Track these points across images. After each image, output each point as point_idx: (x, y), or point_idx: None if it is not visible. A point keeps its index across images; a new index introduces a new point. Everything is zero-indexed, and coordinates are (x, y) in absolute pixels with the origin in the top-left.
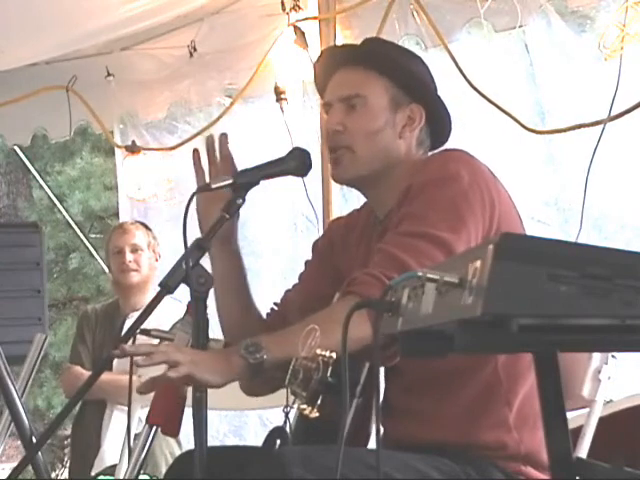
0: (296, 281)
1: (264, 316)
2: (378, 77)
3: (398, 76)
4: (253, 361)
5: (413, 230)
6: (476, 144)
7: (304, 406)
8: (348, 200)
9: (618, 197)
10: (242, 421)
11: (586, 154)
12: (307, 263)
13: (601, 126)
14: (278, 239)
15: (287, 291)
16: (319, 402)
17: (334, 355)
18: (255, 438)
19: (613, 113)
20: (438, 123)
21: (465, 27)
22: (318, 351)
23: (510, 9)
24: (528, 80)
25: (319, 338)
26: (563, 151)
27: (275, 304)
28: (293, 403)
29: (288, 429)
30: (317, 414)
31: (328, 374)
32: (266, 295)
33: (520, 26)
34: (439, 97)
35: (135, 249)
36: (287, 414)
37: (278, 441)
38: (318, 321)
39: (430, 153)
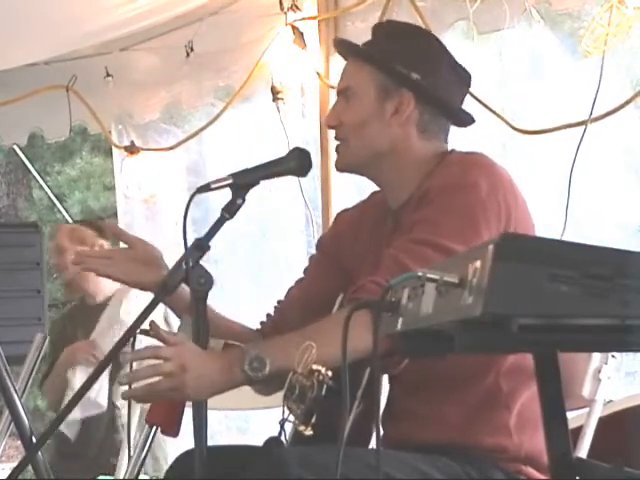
0: (299, 277)
1: (257, 323)
2: (365, 66)
3: (382, 63)
4: (255, 378)
5: (425, 238)
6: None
7: (298, 422)
8: (345, 201)
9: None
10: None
11: (564, 156)
12: (312, 258)
13: (582, 127)
14: (276, 240)
15: (291, 288)
16: (313, 420)
17: (329, 373)
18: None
19: (595, 111)
20: (441, 103)
21: (451, 28)
22: (314, 366)
23: (497, 11)
24: (509, 82)
25: (315, 355)
26: (546, 152)
27: (278, 302)
28: (289, 416)
29: (284, 440)
30: (311, 432)
31: (322, 393)
32: (266, 295)
33: (505, 28)
34: (441, 75)
35: None
36: (282, 425)
37: None
38: (321, 328)
39: (450, 148)
